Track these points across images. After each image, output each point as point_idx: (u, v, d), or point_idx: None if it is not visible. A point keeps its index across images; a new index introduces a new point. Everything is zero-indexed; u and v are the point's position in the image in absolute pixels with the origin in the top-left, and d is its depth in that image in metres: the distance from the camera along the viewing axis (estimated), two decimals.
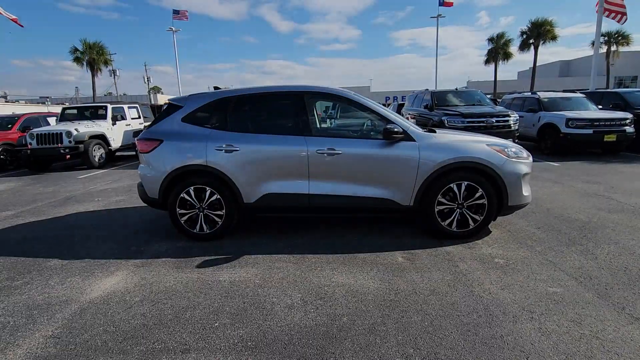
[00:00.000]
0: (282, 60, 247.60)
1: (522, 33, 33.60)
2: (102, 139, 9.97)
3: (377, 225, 4.03)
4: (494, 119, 8.63)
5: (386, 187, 3.54)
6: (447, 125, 8.75)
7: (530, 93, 10.89)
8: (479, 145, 3.54)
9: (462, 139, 3.68)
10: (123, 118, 10.94)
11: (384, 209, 3.59)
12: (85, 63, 36.88)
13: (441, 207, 3.52)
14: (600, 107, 9.74)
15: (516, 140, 8.78)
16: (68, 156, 9.15)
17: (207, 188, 3.64)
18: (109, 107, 10.72)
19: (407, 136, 3.51)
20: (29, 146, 9.14)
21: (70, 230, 4.34)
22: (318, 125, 3.65)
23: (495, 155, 3.48)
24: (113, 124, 10.52)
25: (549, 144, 9.11)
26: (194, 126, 3.73)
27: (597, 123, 8.38)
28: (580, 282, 2.66)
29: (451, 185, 3.47)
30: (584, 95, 10.23)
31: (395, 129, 3.39)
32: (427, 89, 11.36)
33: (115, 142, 10.52)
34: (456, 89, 10.80)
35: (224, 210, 3.68)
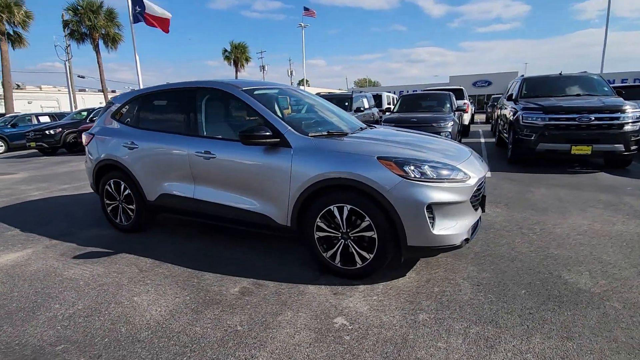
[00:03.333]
0: (431, 47, 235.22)
1: None
2: None
3: (277, 244, 3.41)
4: (592, 116, 6.16)
5: (261, 201, 2.96)
6: (522, 123, 6.76)
7: None
8: (366, 157, 2.56)
9: (357, 146, 2.75)
10: None
11: (263, 225, 3.01)
12: (232, 61, 43.06)
13: (322, 234, 2.74)
14: None
15: (633, 147, 6.11)
16: None
17: (122, 182, 3.78)
18: None
19: (282, 141, 2.83)
20: None
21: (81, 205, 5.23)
22: (204, 125, 3.28)
23: (383, 172, 2.46)
24: None
25: None
26: (117, 122, 3.90)
27: None
28: None
29: (331, 207, 2.64)
30: None
31: (257, 133, 2.73)
32: (522, 75, 8.97)
33: None
34: (560, 73, 8.13)
35: (134, 205, 3.76)
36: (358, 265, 2.64)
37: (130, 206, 3.79)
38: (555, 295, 2.39)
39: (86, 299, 2.55)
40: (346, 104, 9.72)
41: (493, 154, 8.57)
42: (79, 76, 38.32)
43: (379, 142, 2.90)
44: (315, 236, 2.74)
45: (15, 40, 21.66)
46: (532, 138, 6.59)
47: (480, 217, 2.97)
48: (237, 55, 41.32)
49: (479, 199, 2.81)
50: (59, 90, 40.02)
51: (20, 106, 29.83)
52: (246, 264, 3.05)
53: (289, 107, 4.18)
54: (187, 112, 3.40)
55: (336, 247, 2.69)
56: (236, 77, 44.65)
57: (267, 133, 2.76)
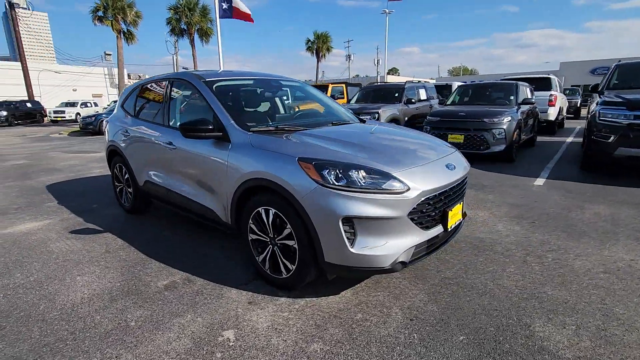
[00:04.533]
0: (547, 28, 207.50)
1: None
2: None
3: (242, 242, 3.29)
4: None
5: (209, 196, 2.87)
6: (598, 121, 5.44)
7: None
8: (288, 157, 2.26)
9: (286, 145, 2.45)
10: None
11: (214, 220, 2.94)
12: (313, 51, 43.82)
13: (254, 237, 2.55)
14: None
15: None
16: None
17: (123, 166, 4.09)
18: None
19: (224, 135, 2.68)
20: None
21: None
22: (170, 116, 3.30)
23: (301, 176, 2.15)
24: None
25: None
26: (121, 110, 4.20)
27: None
28: None
29: (260, 209, 2.44)
30: None
31: (195, 126, 2.61)
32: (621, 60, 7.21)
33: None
34: None
35: (132, 189, 4.05)
36: (284, 275, 2.41)
37: (129, 189, 4.08)
38: (502, 351, 1.83)
39: (43, 271, 2.82)
40: (396, 94, 9.06)
41: (569, 157, 7.13)
42: (183, 68, 43.38)
43: (322, 140, 2.55)
44: (249, 238, 2.58)
45: (128, 37, 25.32)
46: (610, 140, 5.26)
47: (447, 236, 2.46)
48: (319, 45, 41.83)
49: (436, 215, 2.30)
50: None
51: None
52: (197, 257, 3.03)
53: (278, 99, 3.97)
54: (161, 102, 3.50)
55: (265, 252, 2.49)
56: (317, 68, 45.21)
57: (208, 127, 2.64)
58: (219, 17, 14.94)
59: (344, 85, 12.00)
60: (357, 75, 64.96)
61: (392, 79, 47.11)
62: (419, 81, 11.22)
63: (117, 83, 28.95)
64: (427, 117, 7.36)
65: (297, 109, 3.80)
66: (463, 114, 6.82)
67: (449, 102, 8.14)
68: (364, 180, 2.08)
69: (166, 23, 28.61)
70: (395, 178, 2.11)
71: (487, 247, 3.08)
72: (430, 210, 2.25)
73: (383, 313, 2.19)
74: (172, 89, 3.41)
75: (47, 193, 5.35)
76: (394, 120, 8.35)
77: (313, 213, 2.10)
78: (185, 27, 28.80)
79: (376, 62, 56.22)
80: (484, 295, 2.35)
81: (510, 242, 3.16)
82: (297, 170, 2.17)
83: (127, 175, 4.04)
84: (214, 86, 3.04)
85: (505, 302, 2.25)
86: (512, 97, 7.42)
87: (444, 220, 2.35)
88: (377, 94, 9.46)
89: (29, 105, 25.22)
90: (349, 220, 2.05)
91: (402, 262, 2.13)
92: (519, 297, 2.31)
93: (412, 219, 2.15)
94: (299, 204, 2.14)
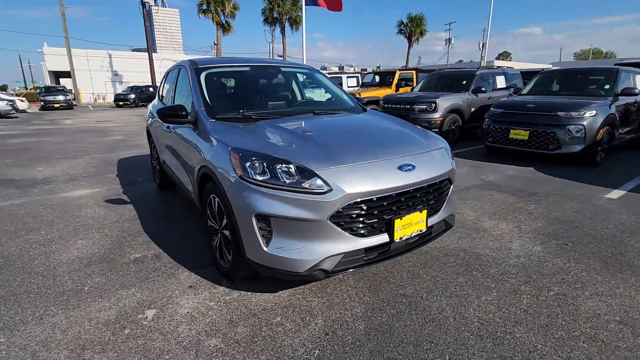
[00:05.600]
0: None
1: None
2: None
3: None
4: None
5: (187, 179, 3.00)
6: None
7: None
8: (224, 146, 2.19)
9: (230, 133, 2.42)
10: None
11: (195, 205, 3.07)
12: (406, 35, 41.82)
13: (209, 222, 2.59)
14: None
15: None
16: None
17: (153, 146, 4.53)
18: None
19: (195, 121, 2.73)
20: None
21: None
22: (173, 100, 3.45)
23: (228, 167, 2.07)
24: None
25: None
26: (157, 95, 4.61)
27: None
28: None
29: (211, 196, 2.45)
30: None
31: (169, 111, 2.71)
32: None
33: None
34: None
35: (158, 167, 4.46)
36: (226, 265, 2.40)
37: (158, 167, 4.52)
38: None
39: (60, 232, 3.32)
40: (464, 82, 8.08)
41: None
42: (278, 56, 45.81)
43: (279, 130, 2.41)
44: (208, 223, 2.63)
45: (225, 28, 27.65)
46: None
47: (403, 247, 2.15)
48: (412, 28, 39.70)
49: (375, 222, 2.01)
50: None
51: None
52: (184, 237, 3.21)
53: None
54: (170, 88, 3.72)
55: (216, 239, 2.51)
56: (408, 53, 43.04)
57: (181, 112, 2.73)
58: (305, 5, 15.25)
59: (413, 72, 11.16)
60: (461, 61, 59.78)
61: (501, 64, 42.11)
62: (497, 67, 9.74)
63: None
64: (490, 108, 6.42)
65: (296, 97, 3.67)
66: (532, 106, 5.75)
67: (524, 92, 6.94)
68: (287, 177, 1.92)
69: (261, 13, 30.37)
70: (317, 176, 1.89)
71: (480, 266, 2.58)
72: (366, 216, 1.97)
73: (304, 321, 2.02)
74: (179, 75, 3.61)
75: (114, 165, 6.26)
76: (455, 111, 7.49)
77: (234, 206, 2.03)
78: (278, 16, 30.14)
79: (480, 45, 50.93)
80: (430, 323, 1.99)
81: (514, 265, 2.60)
82: (227, 160, 2.11)
83: (156, 155, 4.47)
84: (203, 73, 3.12)
85: (449, 337, 1.87)
86: (607, 87, 5.97)
87: (390, 230, 2.04)
88: (443, 82, 8.57)
89: (151, 89, 29.73)
90: (265, 218, 1.92)
91: (323, 270, 1.93)
92: (473, 333, 1.90)
93: (338, 224, 1.91)
94: (225, 195, 2.09)
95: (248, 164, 1.99)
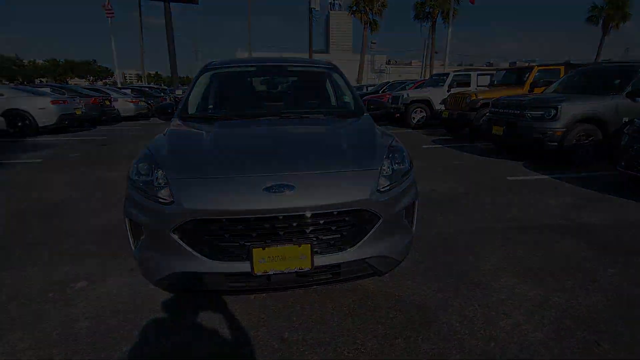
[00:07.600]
0: None
1: None
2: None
3: None
4: None
5: None
6: None
7: None
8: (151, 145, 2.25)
9: (170, 131, 2.44)
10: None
11: None
12: (599, 23, 33.60)
13: None
14: None
15: None
16: None
17: None
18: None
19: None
20: None
21: None
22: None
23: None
24: None
25: None
26: None
27: None
28: None
29: None
30: None
31: (160, 109, 2.93)
32: None
33: None
34: None
35: None
36: None
37: None
38: None
39: (98, 204, 4.08)
40: (616, 82, 5.83)
41: None
42: (435, 52, 43.90)
43: (217, 132, 2.38)
44: None
45: (373, 27, 27.92)
46: None
47: (282, 282, 1.82)
48: (608, 12, 31.19)
49: (230, 247, 1.72)
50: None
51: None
52: None
53: None
54: None
55: None
56: (600, 43, 34.48)
57: (167, 110, 2.93)
58: None
59: (561, 67, 8.57)
60: None
61: None
62: None
63: (375, 68, 32.77)
64: (635, 119, 4.46)
65: (296, 97, 3.41)
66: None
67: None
68: (156, 182, 1.84)
69: (412, 9, 29.47)
70: (169, 186, 1.75)
71: (417, 313, 1.86)
72: (218, 239, 1.70)
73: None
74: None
75: None
76: (590, 121, 5.49)
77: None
78: (429, 10, 28.62)
79: None
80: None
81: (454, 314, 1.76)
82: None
83: None
84: (206, 73, 3.24)
85: None
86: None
87: (251, 260, 1.69)
88: (587, 81, 6.37)
89: None
90: (130, 220, 1.89)
91: (170, 284, 1.79)
92: None
93: (183, 240, 1.71)
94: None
95: (138, 163, 2.00)
